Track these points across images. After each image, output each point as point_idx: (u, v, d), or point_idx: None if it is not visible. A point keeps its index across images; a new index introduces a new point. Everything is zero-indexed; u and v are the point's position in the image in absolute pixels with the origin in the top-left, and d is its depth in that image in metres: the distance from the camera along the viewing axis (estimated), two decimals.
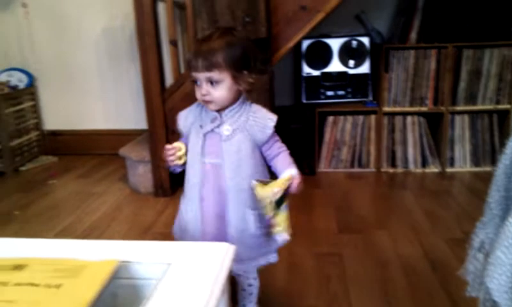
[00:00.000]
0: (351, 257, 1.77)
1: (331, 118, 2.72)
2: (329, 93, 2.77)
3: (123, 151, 2.59)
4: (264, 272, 1.66)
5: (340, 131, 2.73)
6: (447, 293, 1.53)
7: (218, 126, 1.17)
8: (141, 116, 3.05)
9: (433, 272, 1.66)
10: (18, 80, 3.13)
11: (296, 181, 1.18)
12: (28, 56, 3.18)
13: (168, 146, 1.20)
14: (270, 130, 1.19)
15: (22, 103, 3.10)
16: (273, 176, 1.23)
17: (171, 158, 1.19)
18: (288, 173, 1.18)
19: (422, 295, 1.53)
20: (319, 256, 1.79)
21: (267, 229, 1.20)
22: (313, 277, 1.64)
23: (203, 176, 1.18)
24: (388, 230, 1.99)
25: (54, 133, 3.29)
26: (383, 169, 2.74)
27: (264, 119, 1.19)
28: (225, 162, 1.17)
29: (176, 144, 1.21)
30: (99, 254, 0.69)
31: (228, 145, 1.16)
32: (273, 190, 1.12)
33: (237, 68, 1.14)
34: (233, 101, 1.18)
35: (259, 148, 1.20)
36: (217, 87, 1.13)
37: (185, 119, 1.24)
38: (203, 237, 1.21)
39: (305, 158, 2.78)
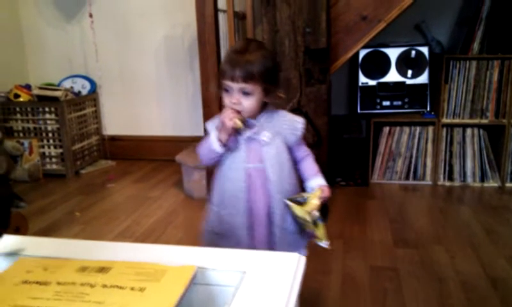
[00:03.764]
0: (408, 271, 1.73)
1: (386, 129, 2.68)
2: (386, 103, 2.73)
3: (180, 157, 2.65)
4: (319, 283, 1.67)
5: (396, 142, 2.68)
6: None
7: (258, 133, 1.21)
8: (196, 123, 3.13)
9: (494, 289, 1.60)
10: (82, 86, 3.28)
11: (326, 193, 1.24)
12: (91, 64, 3.31)
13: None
14: (299, 131, 1.25)
15: (84, 108, 3.23)
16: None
17: (231, 116, 1.17)
18: (317, 184, 1.25)
19: None
20: (374, 269, 1.76)
21: (303, 231, 1.25)
22: (368, 291, 1.62)
23: (250, 180, 1.22)
24: (445, 245, 1.93)
25: (113, 138, 3.41)
26: (439, 182, 2.67)
27: (293, 122, 1.25)
28: (268, 166, 1.21)
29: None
30: (175, 259, 0.71)
31: (268, 149, 1.21)
32: (310, 211, 1.18)
33: (269, 81, 1.18)
34: (258, 111, 1.22)
35: (289, 151, 1.26)
36: (248, 98, 1.17)
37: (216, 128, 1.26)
38: (252, 241, 1.24)
39: (358, 168, 2.76)
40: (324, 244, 1.23)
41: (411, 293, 1.60)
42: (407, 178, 2.70)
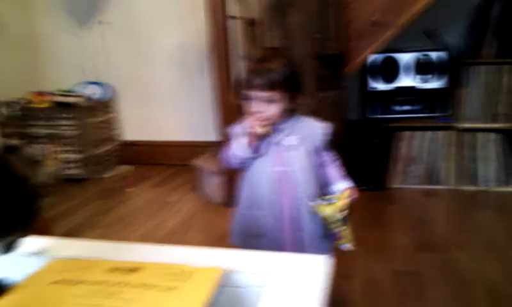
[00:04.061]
0: (430, 276, 1.73)
1: (404, 134, 2.67)
2: (400, 108, 2.73)
3: (197, 162, 2.67)
4: (340, 287, 1.67)
5: (414, 147, 2.67)
6: None
7: (284, 138, 1.24)
8: (210, 129, 3.14)
9: None
10: (100, 93, 3.31)
11: (354, 194, 1.26)
12: (107, 70, 3.36)
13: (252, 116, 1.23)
14: (325, 137, 1.28)
15: (102, 115, 3.28)
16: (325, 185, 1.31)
17: (257, 123, 1.21)
18: (344, 186, 1.28)
19: None
20: (396, 273, 1.76)
21: (329, 235, 1.26)
22: (390, 295, 1.62)
23: (279, 184, 1.24)
24: (467, 250, 1.92)
25: (131, 144, 3.45)
26: (459, 187, 2.64)
27: (319, 128, 1.28)
28: (295, 170, 1.23)
29: None
30: (201, 261, 0.72)
31: (295, 154, 1.24)
32: (339, 209, 1.20)
33: (291, 88, 1.22)
34: (284, 117, 1.24)
35: (315, 156, 1.28)
36: (271, 105, 1.20)
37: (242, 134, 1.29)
38: (281, 242, 1.26)
39: (377, 173, 2.74)
40: (348, 246, 1.24)
41: (434, 297, 1.59)
42: (426, 182, 2.68)
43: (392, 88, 2.73)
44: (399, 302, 1.58)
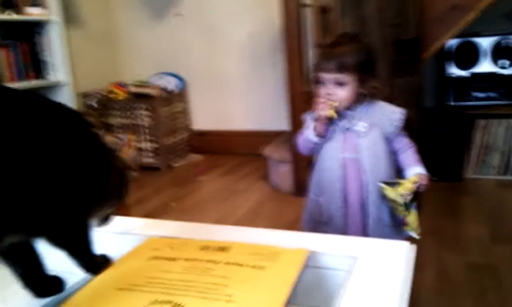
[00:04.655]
0: (507, 269, 1.66)
1: (481, 122, 2.56)
2: (479, 95, 2.62)
3: (267, 151, 2.71)
4: (414, 277, 1.64)
5: (492, 135, 2.55)
6: None
7: (354, 124, 1.23)
8: (280, 118, 3.16)
9: None
10: (173, 84, 3.43)
11: (424, 181, 1.22)
12: (180, 61, 3.49)
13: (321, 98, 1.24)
14: (398, 123, 1.24)
15: (176, 105, 3.39)
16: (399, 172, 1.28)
17: (323, 106, 1.22)
18: (415, 172, 1.23)
19: None
20: (471, 266, 1.70)
21: (397, 223, 1.24)
22: (466, 288, 1.57)
23: (345, 170, 1.24)
24: None
25: (201, 133, 3.55)
26: None
27: (392, 113, 1.25)
28: (364, 157, 1.23)
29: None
30: (285, 243, 0.74)
31: (365, 141, 1.22)
32: (402, 193, 1.17)
33: (363, 72, 1.21)
34: (354, 103, 1.23)
35: (389, 142, 1.25)
36: (342, 88, 1.20)
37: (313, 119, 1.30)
38: (346, 228, 1.27)
39: (451, 163, 2.65)
40: (413, 233, 1.21)
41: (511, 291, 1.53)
42: (504, 173, 2.56)
43: (470, 74, 2.63)
44: (473, 294, 1.53)
